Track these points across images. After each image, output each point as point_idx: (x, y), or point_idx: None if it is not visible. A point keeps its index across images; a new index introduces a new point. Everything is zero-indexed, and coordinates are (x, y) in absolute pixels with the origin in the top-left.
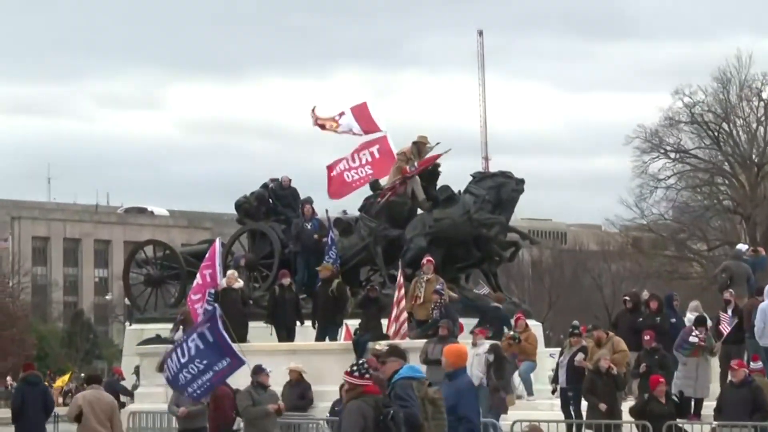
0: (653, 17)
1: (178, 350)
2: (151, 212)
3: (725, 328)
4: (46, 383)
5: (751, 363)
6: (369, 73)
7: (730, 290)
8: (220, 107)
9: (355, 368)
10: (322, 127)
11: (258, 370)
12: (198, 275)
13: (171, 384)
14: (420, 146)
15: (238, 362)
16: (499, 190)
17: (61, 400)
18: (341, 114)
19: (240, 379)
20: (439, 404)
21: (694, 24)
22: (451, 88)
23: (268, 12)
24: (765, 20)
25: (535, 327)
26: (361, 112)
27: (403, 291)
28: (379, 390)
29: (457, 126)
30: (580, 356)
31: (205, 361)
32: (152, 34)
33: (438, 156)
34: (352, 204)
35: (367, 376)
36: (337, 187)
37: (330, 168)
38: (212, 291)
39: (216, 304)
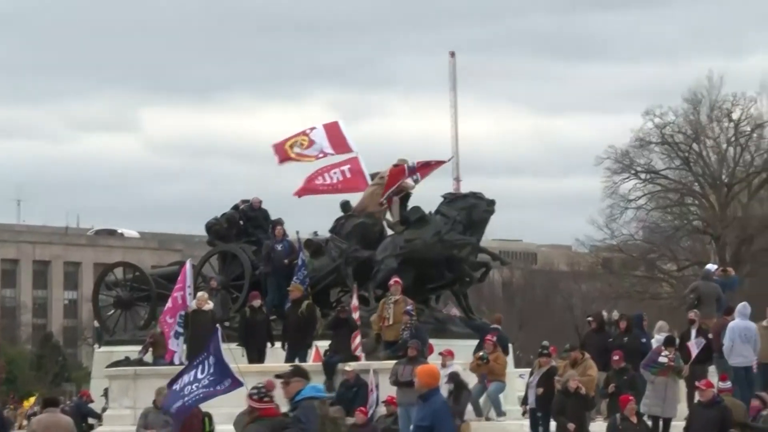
0: (625, 39)
1: (198, 368)
2: (121, 234)
3: (693, 350)
4: (12, 407)
5: (719, 383)
6: (340, 94)
7: (695, 310)
8: (191, 129)
9: (254, 391)
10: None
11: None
12: (170, 298)
13: (170, 397)
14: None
15: (236, 384)
16: (471, 211)
17: (25, 422)
18: (312, 128)
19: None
20: (339, 423)
21: (665, 46)
22: (422, 110)
23: (239, 33)
24: (736, 42)
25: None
26: (332, 131)
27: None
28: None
29: (429, 147)
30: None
31: (213, 378)
32: (123, 55)
33: (441, 163)
34: (322, 225)
35: (266, 399)
36: (304, 187)
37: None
38: (182, 313)
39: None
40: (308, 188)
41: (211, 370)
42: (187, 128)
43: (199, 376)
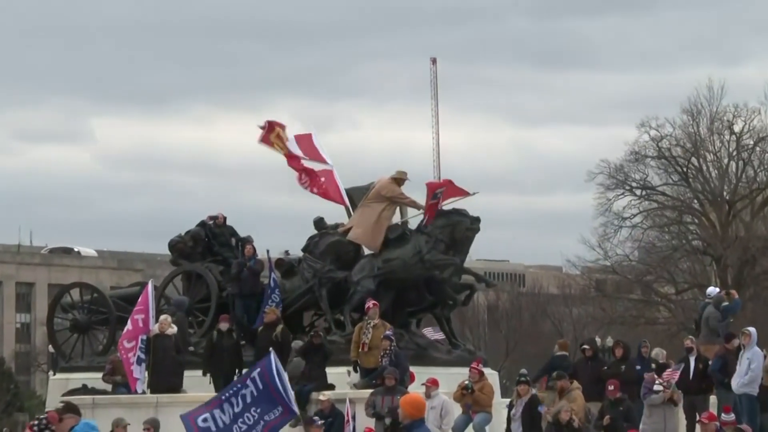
0: (612, 45)
1: (227, 403)
2: (78, 253)
3: (673, 377)
4: None
5: (723, 415)
6: (305, 104)
7: (691, 337)
8: (145, 140)
9: (35, 423)
10: (267, 139)
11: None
12: (129, 321)
13: None
14: (400, 183)
15: (289, 413)
16: (453, 229)
17: None
18: (283, 128)
19: None
20: None
21: (655, 53)
22: (394, 121)
23: (196, 38)
24: (736, 48)
25: (492, 376)
26: (305, 143)
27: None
28: None
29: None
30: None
31: (258, 410)
32: (73, 62)
33: (466, 194)
34: (295, 243)
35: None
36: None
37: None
38: (144, 337)
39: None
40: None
41: (248, 401)
42: (142, 139)
43: (236, 410)
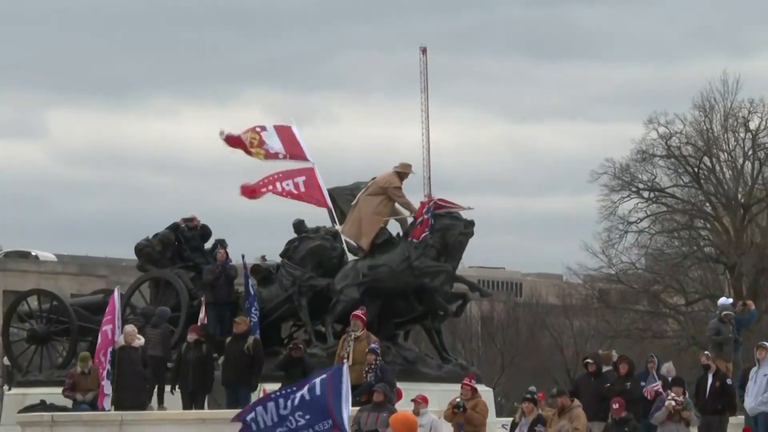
0: (615, 34)
1: (274, 402)
2: (35, 257)
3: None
4: None
5: None
6: (277, 96)
7: (707, 353)
8: (105, 135)
9: None
10: (238, 143)
11: None
12: (100, 332)
13: None
14: (403, 175)
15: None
16: (445, 233)
17: None
18: (262, 128)
19: None
20: None
21: (665, 42)
22: (381, 115)
23: (161, 26)
24: (750, 38)
25: (486, 393)
26: (285, 135)
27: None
28: None
29: (392, 158)
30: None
31: (307, 416)
32: (26, 50)
33: (459, 208)
34: (272, 248)
35: None
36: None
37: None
38: (112, 349)
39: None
40: (255, 190)
41: (296, 403)
42: (102, 134)
43: (282, 412)
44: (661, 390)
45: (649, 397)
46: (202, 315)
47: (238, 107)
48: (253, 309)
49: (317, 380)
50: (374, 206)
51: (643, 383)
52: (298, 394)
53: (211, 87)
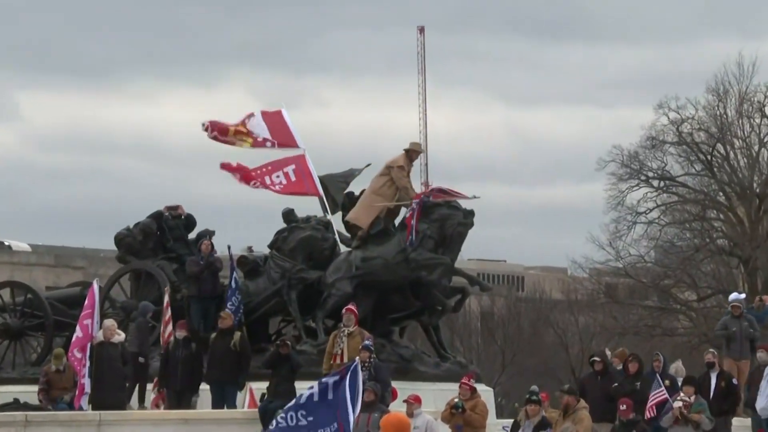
0: (621, 14)
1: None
2: (9, 247)
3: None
4: None
5: None
6: (266, 78)
7: (713, 350)
8: (83, 118)
9: None
10: (223, 135)
11: None
12: (78, 327)
13: None
14: (413, 155)
15: None
16: (443, 224)
17: None
18: (250, 115)
19: None
20: None
21: (679, 23)
22: (373, 98)
23: (140, 4)
24: (759, 19)
25: (485, 393)
26: (274, 121)
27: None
28: None
29: (385, 143)
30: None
31: (310, 418)
32: None
33: (459, 196)
34: (260, 239)
35: None
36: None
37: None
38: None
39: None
40: (244, 177)
41: (302, 401)
42: (77, 118)
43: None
44: (666, 396)
45: (649, 415)
46: (165, 303)
47: (221, 90)
48: (230, 303)
49: (330, 381)
50: (378, 186)
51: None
52: (307, 393)
53: (193, 68)
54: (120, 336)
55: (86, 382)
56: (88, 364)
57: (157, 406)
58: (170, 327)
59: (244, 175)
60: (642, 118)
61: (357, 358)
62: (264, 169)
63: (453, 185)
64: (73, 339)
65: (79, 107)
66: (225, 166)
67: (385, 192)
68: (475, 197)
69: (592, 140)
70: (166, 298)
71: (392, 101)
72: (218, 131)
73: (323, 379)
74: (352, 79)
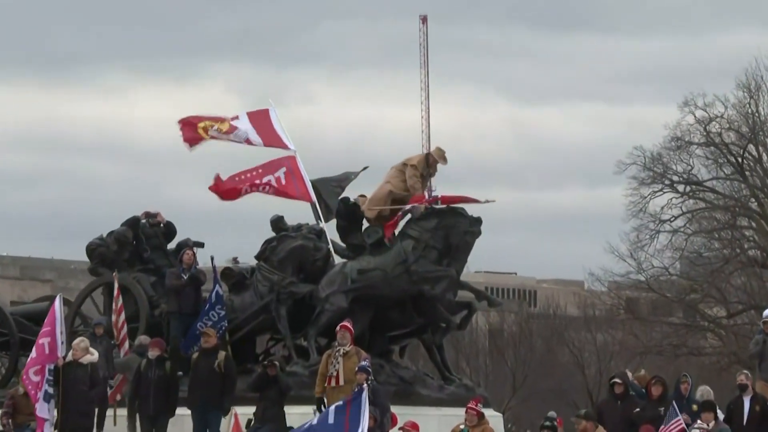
0: (641, 2)
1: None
2: None
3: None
4: None
5: None
6: (245, 72)
7: (746, 372)
8: (46, 115)
9: None
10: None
11: None
12: (34, 346)
13: None
14: (432, 160)
15: None
16: (448, 232)
17: None
18: (235, 117)
19: None
20: None
21: (703, 11)
22: (364, 93)
23: None
24: None
25: (494, 419)
26: (260, 121)
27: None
28: None
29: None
30: None
31: None
32: None
33: (474, 201)
34: (246, 249)
35: None
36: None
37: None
38: (52, 367)
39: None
40: (232, 190)
41: (315, 422)
42: (40, 114)
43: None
44: (683, 426)
45: None
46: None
47: (198, 84)
48: (206, 318)
49: (332, 408)
50: (389, 176)
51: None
52: (307, 424)
53: (168, 61)
54: (92, 356)
55: (41, 407)
56: (45, 387)
57: None
58: (123, 316)
59: (232, 190)
60: (664, 116)
61: (365, 385)
62: (254, 173)
63: (453, 189)
64: (29, 359)
65: (41, 103)
66: (213, 188)
67: (397, 185)
68: (488, 201)
69: (607, 140)
70: (116, 285)
71: (387, 97)
72: (188, 137)
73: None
74: (342, 73)
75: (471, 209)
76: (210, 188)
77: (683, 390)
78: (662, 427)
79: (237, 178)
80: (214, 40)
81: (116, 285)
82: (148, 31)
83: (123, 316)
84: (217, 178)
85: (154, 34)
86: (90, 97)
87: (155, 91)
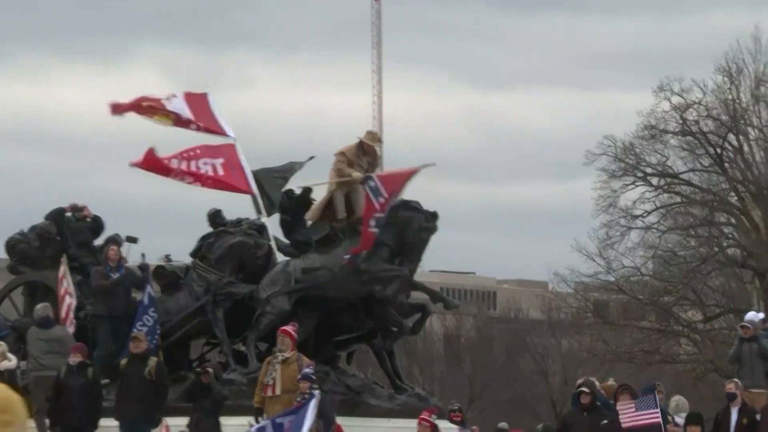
0: None
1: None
2: None
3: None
4: None
5: None
6: (175, 53)
7: (735, 380)
8: None
9: None
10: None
11: None
12: None
13: None
14: (366, 147)
15: None
16: (401, 228)
17: None
18: (170, 96)
19: None
20: None
21: None
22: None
23: None
24: None
25: (449, 431)
26: (198, 104)
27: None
28: None
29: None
30: None
31: None
32: None
33: (415, 171)
34: (180, 246)
35: None
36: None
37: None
38: None
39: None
40: (157, 165)
41: None
42: None
43: None
44: (660, 420)
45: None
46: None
47: (126, 66)
48: (140, 323)
49: (269, 421)
50: (329, 176)
51: None
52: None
53: (93, 41)
54: (11, 362)
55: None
56: None
57: None
58: (69, 300)
59: (161, 165)
60: (637, 102)
61: (317, 392)
62: (193, 152)
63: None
64: None
65: None
66: (136, 163)
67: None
68: (427, 165)
69: (574, 129)
70: (62, 269)
71: (338, 81)
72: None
73: (276, 419)
74: (284, 54)
75: (426, 203)
76: (133, 162)
77: (660, 399)
78: (633, 411)
79: (169, 161)
80: (142, 18)
81: (62, 268)
82: (71, 9)
83: (68, 298)
84: (149, 152)
85: (78, 13)
86: (8, 80)
87: (79, 74)
